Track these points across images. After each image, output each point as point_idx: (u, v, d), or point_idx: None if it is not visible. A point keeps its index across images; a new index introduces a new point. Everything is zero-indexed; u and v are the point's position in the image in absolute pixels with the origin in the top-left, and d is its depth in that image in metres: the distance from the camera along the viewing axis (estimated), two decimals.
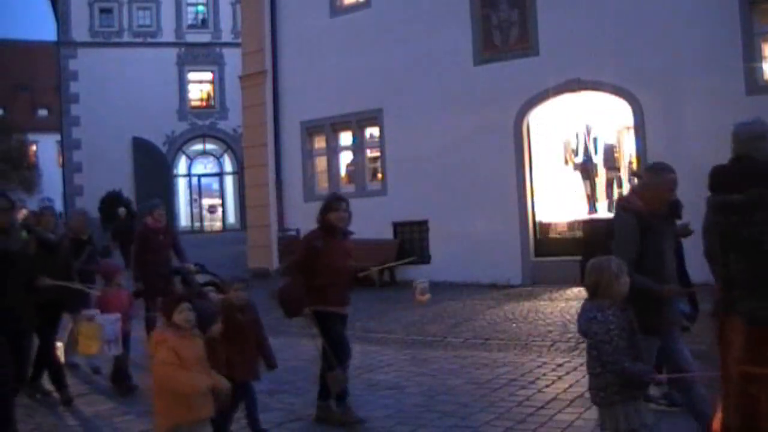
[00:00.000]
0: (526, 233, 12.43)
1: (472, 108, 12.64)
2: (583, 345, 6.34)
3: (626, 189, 13.86)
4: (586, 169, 13.56)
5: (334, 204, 5.37)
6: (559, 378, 6.27)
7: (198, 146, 32.98)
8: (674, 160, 12.43)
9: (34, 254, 5.96)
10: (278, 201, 15.48)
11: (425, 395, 5.95)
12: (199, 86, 32.82)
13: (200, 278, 8.72)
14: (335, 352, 5.20)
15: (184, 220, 32.05)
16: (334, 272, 5.23)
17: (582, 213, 13.23)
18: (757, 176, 3.31)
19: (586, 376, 3.76)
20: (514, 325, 8.78)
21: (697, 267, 4.38)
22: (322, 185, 15.34)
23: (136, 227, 9.28)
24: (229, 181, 33.45)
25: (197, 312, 4.02)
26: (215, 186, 34.01)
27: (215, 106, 32.52)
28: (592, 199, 13.60)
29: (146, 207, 8.43)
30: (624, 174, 13.88)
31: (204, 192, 33.59)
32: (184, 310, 3.90)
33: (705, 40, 10.82)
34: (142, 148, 30.27)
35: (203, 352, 4.02)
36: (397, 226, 14.00)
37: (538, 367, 6.73)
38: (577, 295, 9.84)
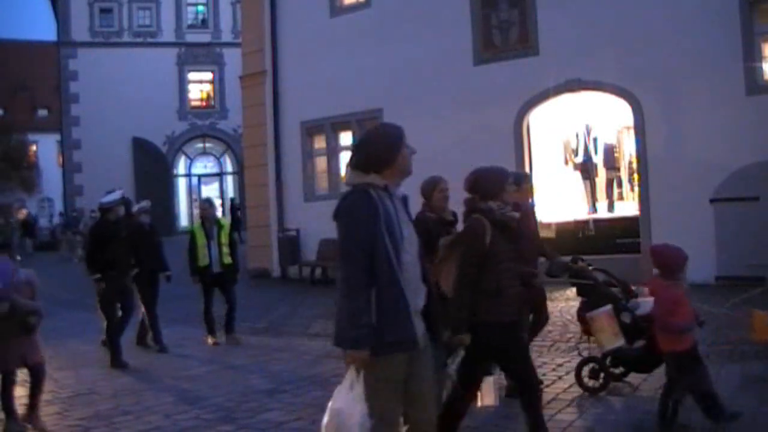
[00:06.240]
0: None
1: (472, 108, 12.64)
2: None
3: (626, 189, 13.90)
4: (586, 169, 13.58)
5: None
6: (560, 378, 6.26)
7: (198, 146, 32.98)
8: (674, 160, 12.40)
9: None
10: (278, 201, 15.48)
11: None
12: (199, 86, 32.81)
13: None
14: None
15: (184, 220, 32.01)
16: None
17: (582, 213, 13.25)
18: None
19: None
20: None
21: None
22: (322, 185, 15.34)
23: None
24: (229, 181, 33.45)
25: None
26: (215, 186, 34.00)
27: (215, 106, 32.52)
28: (592, 199, 13.62)
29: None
30: (624, 174, 13.90)
31: (204, 192, 33.57)
32: None
33: (705, 40, 10.82)
34: (142, 148, 30.29)
35: None
36: None
37: (538, 367, 6.64)
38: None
